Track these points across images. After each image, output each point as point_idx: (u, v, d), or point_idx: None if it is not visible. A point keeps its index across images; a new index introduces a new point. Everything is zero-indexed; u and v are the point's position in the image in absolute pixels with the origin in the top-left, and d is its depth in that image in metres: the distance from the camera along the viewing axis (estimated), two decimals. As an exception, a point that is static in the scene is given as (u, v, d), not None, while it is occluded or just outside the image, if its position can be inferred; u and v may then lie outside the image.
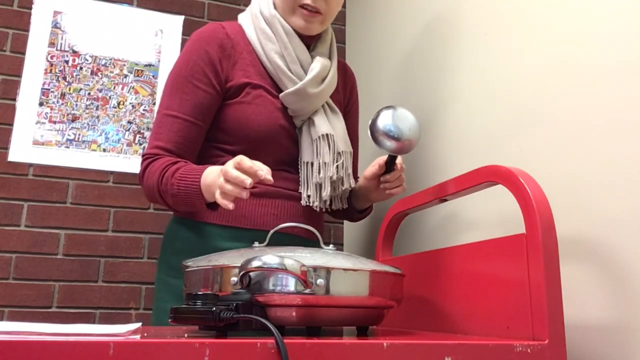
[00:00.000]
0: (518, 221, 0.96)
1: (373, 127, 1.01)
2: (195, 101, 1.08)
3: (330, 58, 1.21)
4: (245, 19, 1.20)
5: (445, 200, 0.96)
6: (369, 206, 1.29)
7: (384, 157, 1.11)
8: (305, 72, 1.14)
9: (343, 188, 1.15)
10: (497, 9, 1.11)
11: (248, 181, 0.83)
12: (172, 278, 1.10)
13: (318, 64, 1.15)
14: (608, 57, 0.83)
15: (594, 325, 0.80)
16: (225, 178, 0.86)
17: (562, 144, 0.90)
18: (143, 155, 1.07)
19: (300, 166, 1.14)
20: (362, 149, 1.68)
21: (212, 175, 0.94)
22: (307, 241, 1.15)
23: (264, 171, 0.84)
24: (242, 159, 0.85)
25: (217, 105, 1.12)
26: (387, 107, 1.03)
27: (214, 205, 1.00)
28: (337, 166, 1.13)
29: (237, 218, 1.10)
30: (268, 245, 0.83)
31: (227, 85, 1.12)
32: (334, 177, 1.12)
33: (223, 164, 1.13)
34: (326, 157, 1.12)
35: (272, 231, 0.84)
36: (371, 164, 1.15)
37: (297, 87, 1.11)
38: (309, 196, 1.13)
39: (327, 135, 1.12)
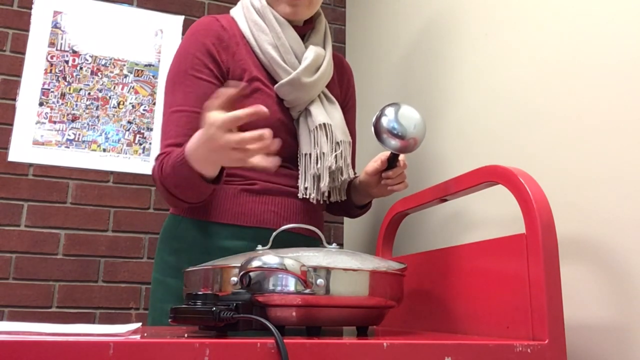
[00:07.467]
0: (518, 221, 0.96)
1: (377, 125, 0.99)
2: (199, 92, 1.05)
3: (324, 47, 1.20)
4: (237, 12, 1.18)
5: (446, 200, 0.96)
6: (368, 202, 1.27)
7: (386, 153, 1.09)
8: (300, 62, 1.13)
9: (342, 178, 1.13)
10: (497, 9, 1.11)
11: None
12: (169, 278, 1.08)
13: (311, 52, 1.13)
14: (608, 57, 0.83)
15: (594, 325, 0.80)
16: (234, 146, 0.83)
17: (562, 144, 0.90)
18: (155, 160, 1.04)
19: (300, 159, 1.12)
20: (363, 144, 1.68)
21: (194, 139, 0.90)
22: (309, 240, 1.14)
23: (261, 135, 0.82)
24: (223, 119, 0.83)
25: None
26: (391, 105, 1.00)
27: (216, 179, 0.97)
28: (336, 156, 1.11)
29: (236, 216, 1.08)
30: (271, 245, 0.83)
31: (229, 78, 1.10)
32: (333, 167, 1.10)
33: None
34: (324, 147, 1.09)
35: (274, 233, 0.84)
36: (373, 159, 1.13)
37: (291, 77, 1.09)
38: (306, 188, 1.10)
39: (324, 124, 1.10)
